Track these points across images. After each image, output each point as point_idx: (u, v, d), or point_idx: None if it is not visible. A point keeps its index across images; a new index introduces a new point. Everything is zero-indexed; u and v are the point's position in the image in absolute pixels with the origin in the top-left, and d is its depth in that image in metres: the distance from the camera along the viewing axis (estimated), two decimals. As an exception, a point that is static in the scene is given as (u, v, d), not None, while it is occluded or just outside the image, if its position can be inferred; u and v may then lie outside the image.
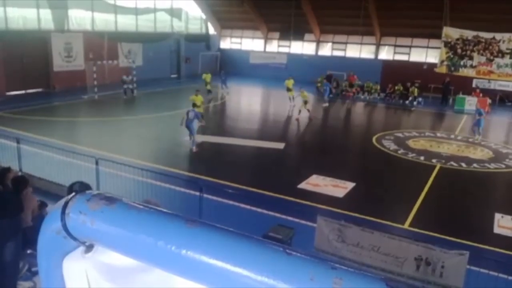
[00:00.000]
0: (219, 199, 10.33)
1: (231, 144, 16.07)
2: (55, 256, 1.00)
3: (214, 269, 0.77)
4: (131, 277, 0.96)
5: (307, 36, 35.15)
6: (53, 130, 16.71)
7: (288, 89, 24.58)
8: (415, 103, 27.39)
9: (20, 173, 9.49)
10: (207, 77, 26.02)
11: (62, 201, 0.97)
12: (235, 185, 11.64)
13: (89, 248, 0.98)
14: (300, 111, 21.02)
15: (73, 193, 0.98)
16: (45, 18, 25.15)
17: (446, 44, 26.91)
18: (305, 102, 21.16)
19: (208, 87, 25.62)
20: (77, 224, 0.93)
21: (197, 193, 9.13)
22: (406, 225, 9.91)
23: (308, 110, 21.18)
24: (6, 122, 17.25)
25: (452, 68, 26.96)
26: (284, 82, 24.94)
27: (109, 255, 0.96)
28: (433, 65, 28.69)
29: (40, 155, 12.53)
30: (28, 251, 4.30)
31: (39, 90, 24.98)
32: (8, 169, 6.78)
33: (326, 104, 25.39)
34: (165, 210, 0.91)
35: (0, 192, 3.10)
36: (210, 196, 9.83)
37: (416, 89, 27.80)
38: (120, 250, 0.92)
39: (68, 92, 24.14)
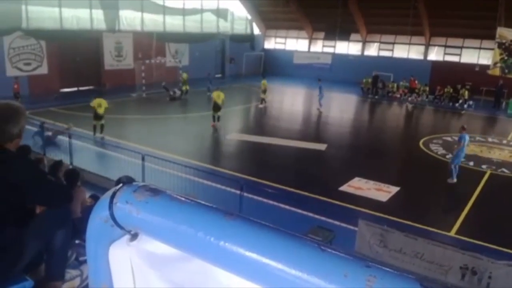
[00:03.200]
0: (260, 198, 10.40)
1: (273, 144, 16.10)
2: (102, 243, 1.06)
3: (249, 261, 0.80)
4: (172, 265, 1.01)
5: (353, 36, 34.60)
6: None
7: (265, 91, 23.24)
8: (465, 106, 26.33)
9: (71, 167, 9.97)
10: (183, 75, 25.26)
11: (111, 191, 1.03)
12: (276, 185, 11.66)
13: (134, 236, 1.04)
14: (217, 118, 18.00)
15: (121, 184, 1.04)
16: (97, 18, 26.23)
17: (500, 45, 25.64)
18: (217, 108, 17.68)
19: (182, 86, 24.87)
20: (123, 213, 0.99)
21: (238, 192, 9.25)
22: (452, 233, 9.56)
23: (218, 118, 17.94)
24: (59, 117, 18.14)
25: (506, 71, 25.65)
26: (262, 83, 23.50)
27: (152, 243, 1.01)
28: (485, 67, 27.45)
29: (90, 150, 13.10)
30: (76, 241, 4.48)
31: (91, 87, 26.05)
32: (60, 162, 7.15)
33: (320, 108, 22.86)
34: (205, 203, 0.95)
35: (51, 182, 3.25)
36: (250, 195, 9.92)
37: (466, 92, 26.71)
38: (163, 239, 0.97)
39: (118, 90, 25.05)
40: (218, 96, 17.74)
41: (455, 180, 12.49)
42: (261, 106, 23.32)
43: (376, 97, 29.03)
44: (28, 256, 2.87)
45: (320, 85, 22.96)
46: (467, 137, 12.50)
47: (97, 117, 15.46)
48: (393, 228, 7.69)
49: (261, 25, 38.69)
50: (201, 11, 32.85)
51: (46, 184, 2.83)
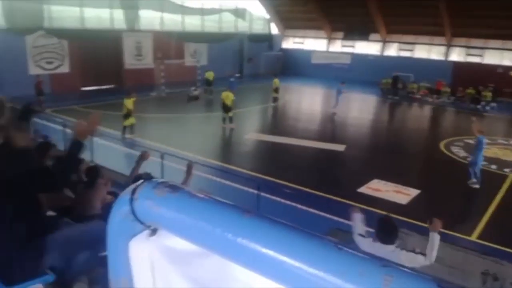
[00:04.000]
0: (277, 198, 10.38)
1: (291, 144, 16.06)
2: (122, 238, 1.09)
3: (266, 258, 0.81)
4: (190, 261, 1.03)
5: (372, 36, 34.27)
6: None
7: (276, 89, 23.24)
8: (487, 108, 25.79)
9: (91, 164, 10.12)
10: (210, 75, 25.82)
11: (131, 187, 1.05)
12: (293, 185, 11.63)
13: (154, 231, 1.06)
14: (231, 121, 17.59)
15: (141, 180, 1.06)
16: (118, 18, 26.59)
17: (525, 45, 25.07)
18: (226, 109, 17.32)
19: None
20: (143, 209, 1.01)
21: (255, 191, 9.25)
22: (473, 237, 9.38)
23: (230, 120, 17.53)
24: (80, 115, 18.42)
25: (530, 72, 25.08)
26: (273, 81, 23.34)
27: (171, 239, 1.03)
28: (508, 68, 26.89)
29: (110, 148, 13.29)
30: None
31: (111, 86, 26.38)
32: (48, 144, 7.25)
33: (335, 112, 22.12)
34: (223, 200, 0.96)
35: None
36: (267, 195, 9.92)
37: (489, 93, 26.16)
38: (181, 235, 0.99)
39: (138, 89, 25.25)
40: (226, 96, 17.25)
41: (478, 185, 12.25)
42: (273, 104, 23.38)
43: (396, 98, 28.66)
44: (49, 261, 2.91)
45: (342, 88, 22.18)
46: (484, 140, 12.27)
47: (124, 116, 15.70)
48: (413, 231, 7.58)
49: (279, 25, 38.63)
50: (220, 11, 32.98)
51: (38, 176, 2.88)
